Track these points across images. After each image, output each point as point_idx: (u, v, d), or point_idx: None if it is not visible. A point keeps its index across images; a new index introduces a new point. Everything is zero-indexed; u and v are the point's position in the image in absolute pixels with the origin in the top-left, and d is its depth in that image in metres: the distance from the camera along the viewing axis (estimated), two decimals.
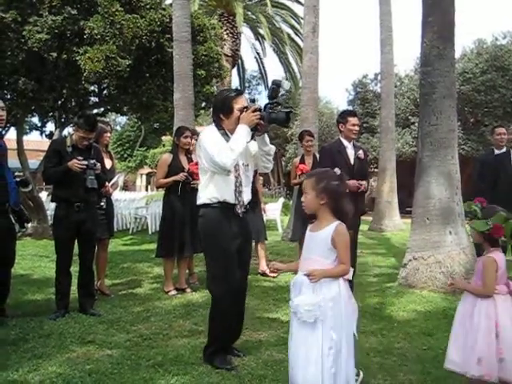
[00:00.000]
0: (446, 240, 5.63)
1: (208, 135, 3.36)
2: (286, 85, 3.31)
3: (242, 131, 3.22)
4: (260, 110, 3.26)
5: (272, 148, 3.49)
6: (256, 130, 3.29)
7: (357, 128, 5.27)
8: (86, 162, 4.44)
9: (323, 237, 2.64)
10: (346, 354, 2.56)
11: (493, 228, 2.78)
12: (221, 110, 3.41)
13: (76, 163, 4.39)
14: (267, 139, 3.44)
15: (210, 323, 3.49)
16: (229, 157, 3.19)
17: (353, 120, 5.22)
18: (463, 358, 2.73)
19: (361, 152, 5.29)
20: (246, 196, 3.44)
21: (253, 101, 3.51)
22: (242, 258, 3.46)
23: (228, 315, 3.41)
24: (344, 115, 5.34)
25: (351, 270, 2.71)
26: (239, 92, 3.48)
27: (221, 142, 3.27)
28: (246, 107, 3.32)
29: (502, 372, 2.69)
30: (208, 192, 3.37)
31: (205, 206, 3.39)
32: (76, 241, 4.63)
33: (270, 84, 3.35)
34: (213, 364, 3.35)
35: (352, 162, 5.19)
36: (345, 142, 5.24)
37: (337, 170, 2.85)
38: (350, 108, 21.20)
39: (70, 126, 10.62)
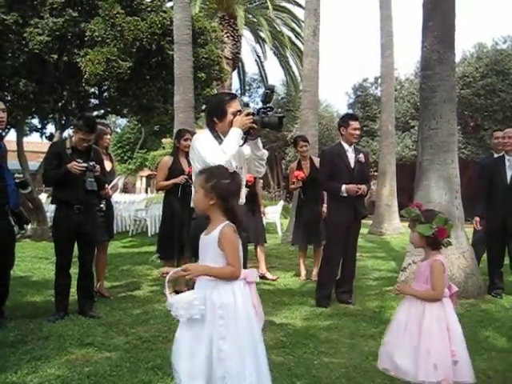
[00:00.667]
0: None
1: (201, 138, 3.39)
2: (280, 90, 3.33)
3: (235, 134, 3.23)
4: (253, 114, 3.27)
5: (265, 153, 3.50)
6: (249, 134, 3.30)
7: (358, 132, 5.27)
8: (85, 165, 4.43)
9: (211, 241, 2.43)
10: (252, 369, 2.32)
11: (437, 231, 2.77)
12: (214, 114, 3.43)
13: (75, 165, 4.38)
14: (260, 144, 3.46)
15: None
16: (221, 159, 3.19)
17: (354, 124, 5.22)
18: (416, 366, 2.65)
19: (361, 155, 5.29)
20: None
21: (246, 105, 3.53)
22: None
23: None
24: (345, 119, 5.34)
25: (253, 272, 2.56)
26: (233, 96, 3.52)
27: (213, 145, 3.29)
28: (240, 111, 3.34)
29: (458, 375, 2.65)
30: None
31: None
32: (75, 243, 4.62)
33: None
34: None
35: (352, 165, 5.20)
36: (345, 146, 5.24)
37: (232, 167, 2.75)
38: (350, 111, 21.22)
39: (70, 127, 10.61)
